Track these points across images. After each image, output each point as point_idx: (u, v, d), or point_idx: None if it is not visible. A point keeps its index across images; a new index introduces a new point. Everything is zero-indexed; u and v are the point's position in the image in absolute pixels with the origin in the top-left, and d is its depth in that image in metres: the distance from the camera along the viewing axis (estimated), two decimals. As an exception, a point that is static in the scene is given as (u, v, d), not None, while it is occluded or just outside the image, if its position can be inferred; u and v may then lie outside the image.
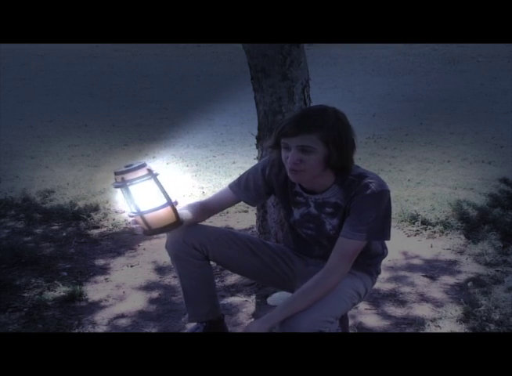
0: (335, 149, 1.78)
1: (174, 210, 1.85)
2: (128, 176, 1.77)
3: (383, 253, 2.06)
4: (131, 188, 1.77)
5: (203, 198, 3.75)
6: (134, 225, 1.85)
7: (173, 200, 1.84)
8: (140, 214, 1.79)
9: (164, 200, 1.82)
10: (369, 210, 1.82)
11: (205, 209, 2.07)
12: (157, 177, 1.82)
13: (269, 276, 2.12)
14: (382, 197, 1.83)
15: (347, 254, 1.85)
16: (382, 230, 1.88)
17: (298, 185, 1.95)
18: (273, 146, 1.87)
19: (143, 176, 1.78)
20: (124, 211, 3.69)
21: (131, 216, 1.84)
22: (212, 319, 2.11)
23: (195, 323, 2.15)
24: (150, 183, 1.80)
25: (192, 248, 2.00)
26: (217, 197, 2.12)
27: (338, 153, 1.79)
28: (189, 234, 2.00)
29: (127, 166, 1.80)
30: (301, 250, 2.11)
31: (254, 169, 2.05)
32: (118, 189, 1.81)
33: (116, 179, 1.79)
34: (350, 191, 1.86)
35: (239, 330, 2.38)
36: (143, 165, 1.80)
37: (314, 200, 1.94)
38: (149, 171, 1.80)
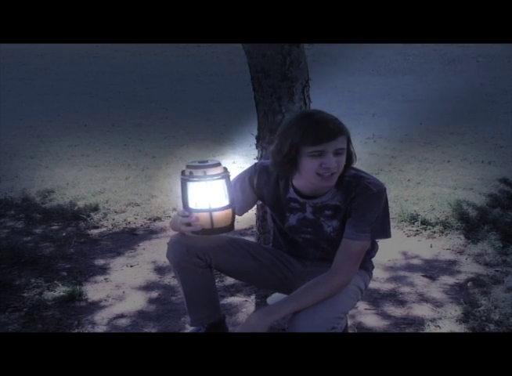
0: (351, 146, 1.84)
1: (234, 213, 1.87)
2: (210, 171, 1.79)
3: (373, 248, 2.08)
4: (210, 183, 1.79)
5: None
6: (185, 223, 1.83)
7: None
8: (210, 211, 1.80)
9: (229, 201, 1.83)
10: (372, 210, 1.84)
11: None
12: (229, 177, 1.84)
13: (269, 278, 2.12)
14: (381, 196, 1.86)
15: (353, 255, 1.86)
16: (384, 228, 1.90)
17: (293, 191, 1.94)
18: (291, 158, 1.81)
19: (221, 174, 1.81)
20: (117, 212, 3.70)
21: (189, 213, 1.82)
22: (213, 321, 2.11)
23: (196, 324, 2.16)
24: (223, 182, 1.82)
25: (195, 257, 2.00)
26: None
27: (352, 150, 1.85)
28: (192, 243, 1.98)
29: (202, 162, 1.82)
30: (296, 253, 2.10)
31: (239, 179, 2.03)
32: (180, 184, 1.81)
33: (192, 172, 1.79)
34: (349, 192, 1.86)
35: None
36: (220, 163, 1.83)
37: (312, 205, 1.93)
38: (225, 169, 1.83)
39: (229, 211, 1.84)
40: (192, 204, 1.82)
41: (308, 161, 1.78)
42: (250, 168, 2.04)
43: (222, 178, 1.81)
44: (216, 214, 1.81)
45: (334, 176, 1.82)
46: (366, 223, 1.84)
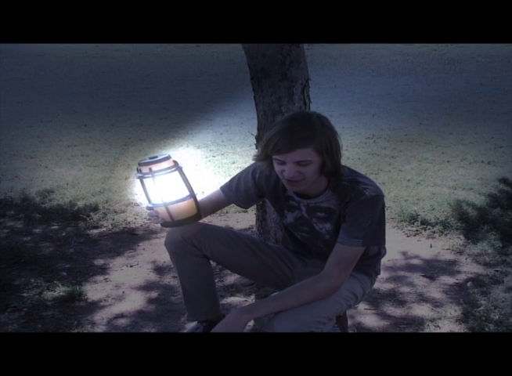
0: (328, 156, 1.78)
1: (196, 202, 1.89)
2: (156, 167, 1.81)
3: (380, 253, 2.06)
4: (158, 179, 1.81)
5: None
6: (152, 217, 1.89)
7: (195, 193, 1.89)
8: (165, 205, 1.83)
9: (187, 192, 1.86)
10: (365, 216, 1.82)
11: None
12: (182, 169, 1.86)
13: (268, 276, 2.12)
14: (377, 203, 1.83)
15: (343, 260, 1.85)
16: (378, 236, 1.88)
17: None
18: (263, 159, 1.85)
19: (170, 168, 1.83)
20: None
21: (151, 207, 1.86)
22: (212, 319, 2.10)
23: (195, 323, 2.15)
24: (175, 175, 1.84)
25: (190, 245, 2.01)
26: (208, 199, 2.10)
27: (330, 159, 1.79)
28: (188, 232, 2.00)
29: (151, 158, 1.84)
30: (300, 250, 2.11)
31: (245, 172, 2.04)
32: (138, 181, 1.85)
33: (141, 170, 1.83)
34: (344, 197, 1.85)
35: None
36: (169, 157, 1.85)
37: (306, 205, 1.94)
38: (175, 162, 1.85)
39: (187, 202, 1.86)
40: (152, 199, 1.86)
41: (276, 166, 1.82)
42: (255, 162, 2.04)
43: (170, 172, 1.83)
44: (172, 207, 1.84)
45: (302, 183, 1.81)
46: (359, 228, 1.82)
